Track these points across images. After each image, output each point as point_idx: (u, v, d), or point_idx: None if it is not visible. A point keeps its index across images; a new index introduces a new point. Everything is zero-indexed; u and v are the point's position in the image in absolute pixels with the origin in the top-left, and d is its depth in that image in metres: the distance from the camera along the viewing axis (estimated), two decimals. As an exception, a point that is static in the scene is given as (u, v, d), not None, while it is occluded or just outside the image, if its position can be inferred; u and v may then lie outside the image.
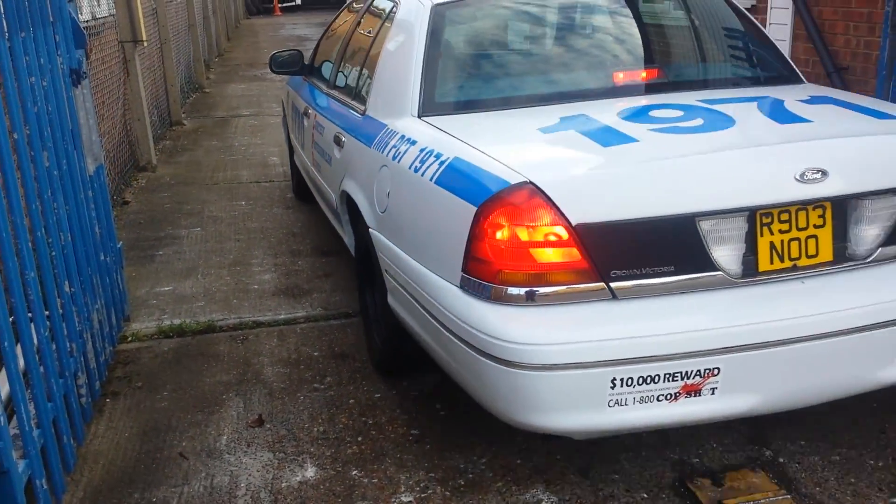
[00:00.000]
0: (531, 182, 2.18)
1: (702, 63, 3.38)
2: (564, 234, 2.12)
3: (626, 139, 2.41)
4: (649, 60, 3.23)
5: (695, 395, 2.13)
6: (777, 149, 2.34)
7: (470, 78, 3.13)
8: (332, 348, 3.52)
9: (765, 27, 5.93)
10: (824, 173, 2.22)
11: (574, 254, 2.13)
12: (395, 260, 2.71)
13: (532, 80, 3.10)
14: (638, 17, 3.37)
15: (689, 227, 2.16)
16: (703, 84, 3.19)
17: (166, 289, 4.27)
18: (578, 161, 2.39)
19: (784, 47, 5.73)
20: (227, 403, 3.11)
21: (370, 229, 2.97)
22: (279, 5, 25.18)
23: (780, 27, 5.76)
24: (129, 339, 3.71)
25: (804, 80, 3.29)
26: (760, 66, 3.36)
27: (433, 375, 3.20)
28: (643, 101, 2.89)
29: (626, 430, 2.29)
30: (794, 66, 3.33)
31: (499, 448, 2.72)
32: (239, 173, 6.82)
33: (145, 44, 6.53)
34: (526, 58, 3.28)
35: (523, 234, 2.14)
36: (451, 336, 2.29)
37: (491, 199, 2.18)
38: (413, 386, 3.16)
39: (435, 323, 2.40)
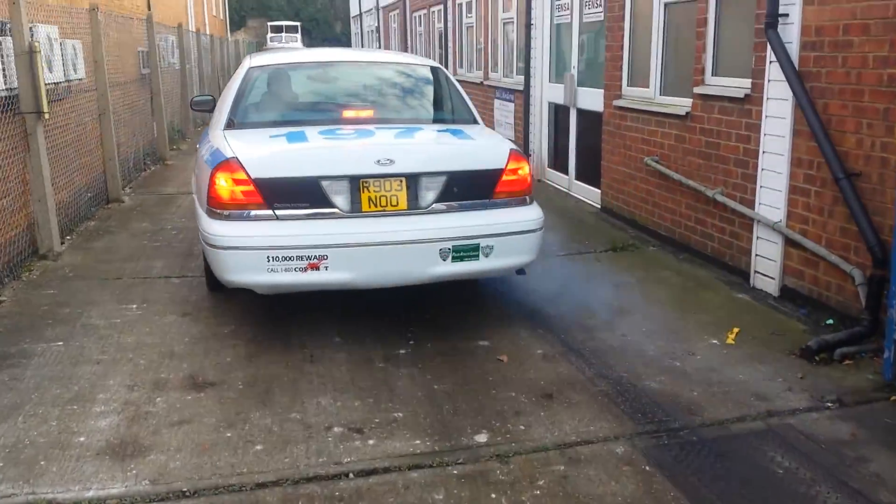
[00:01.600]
0: (236, 157, 4.00)
1: (403, 109, 5.08)
2: (249, 185, 3.93)
3: (303, 140, 4.25)
4: (368, 105, 4.98)
5: (315, 270, 3.89)
6: (367, 147, 4.17)
7: (256, 110, 4.84)
8: (130, 558, 2.48)
9: (760, 119, 5.04)
10: (392, 161, 3.99)
11: (254, 194, 3.93)
12: (196, 210, 4.49)
13: (291, 112, 4.92)
14: (372, 78, 5.29)
15: (316, 184, 3.96)
16: (396, 120, 4.77)
17: (-33, 437, 3.26)
18: (268, 149, 4.22)
19: (783, 145, 4.82)
20: None
21: (191, 193, 4.96)
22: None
23: (777, 121, 4.86)
24: None
25: (479, 122, 5.01)
26: (447, 113, 5.20)
27: None
28: (345, 126, 4.56)
29: (282, 287, 4.00)
30: (474, 114, 5.06)
31: None
32: (152, 264, 5.89)
33: (47, 116, 5.69)
34: (293, 99, 5.12)
35: (229, 183, 3.95)
36: (203, 241, 4.12)
37: (216, 165, 4.03)
38: None
39: (201, 237, 4.19)
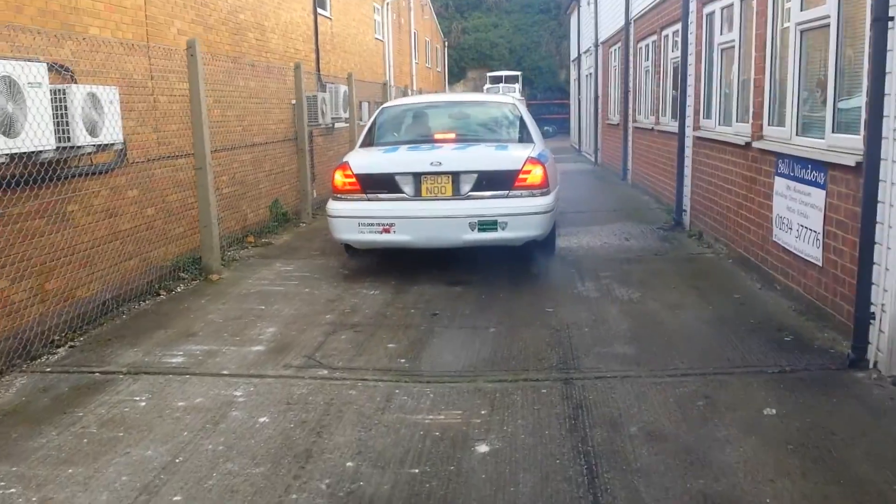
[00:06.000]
0: (347, 161, 6.77)
1: (477, 132, 7.57)
2: (353, 177, 6.59)
3: (394, 151, 6.92)
4: (452, 129, 7.55)
5: (388, 232, 6.44)
6: (425, 154, 6.65)
7: (380, 136, 7.60)
8: None
9: None
10: (440, 164, 6.44)
11: (355, 184, 6.59)
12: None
13: (398, 136, 7.61)
14: (462, 111, 8.12)
15: (392, 178, 6.51)
16: (469, 140, 7.24)
17: None
18: (370, 156, 6.93)
19: None
20: None
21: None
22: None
23: None
24: None
25: (533, 141, 7.30)
26: (510, 135, 7.51)
27: None
28: (434, 144, 7.11)
29: (367, 244, 6.67)
30: (532, 136, 7.41)
31: None
32: None
33: None
34: (405, 126, 7.84)
35: (341, 177, 6.66)
36: (327, 214, 6.81)
37: (337, 166, 6.83)
38: None
39: (327, 215, 6.88)
